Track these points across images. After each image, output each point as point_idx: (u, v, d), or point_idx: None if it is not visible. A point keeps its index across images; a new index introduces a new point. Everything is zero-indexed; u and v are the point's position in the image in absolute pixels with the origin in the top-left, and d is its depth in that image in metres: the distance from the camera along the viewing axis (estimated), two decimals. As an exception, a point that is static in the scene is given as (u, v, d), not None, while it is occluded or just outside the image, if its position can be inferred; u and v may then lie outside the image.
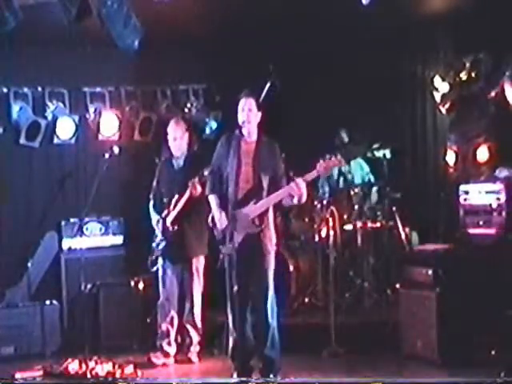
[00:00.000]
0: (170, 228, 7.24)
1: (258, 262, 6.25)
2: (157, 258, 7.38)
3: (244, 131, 6.33)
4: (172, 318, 7.36)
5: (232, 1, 7.51)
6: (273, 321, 6.26)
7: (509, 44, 7.54)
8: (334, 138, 8.74)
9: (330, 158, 6.05)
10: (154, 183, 7.51)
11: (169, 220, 7.26)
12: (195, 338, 7.38)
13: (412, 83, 9.18)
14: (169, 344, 7.37)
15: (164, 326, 7.37)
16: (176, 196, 7.20)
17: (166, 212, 7.29)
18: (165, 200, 7.35)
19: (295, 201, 6.19)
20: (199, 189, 7.02)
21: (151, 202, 7.48)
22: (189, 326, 7.36)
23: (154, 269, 7.44)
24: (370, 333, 7.33)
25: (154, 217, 7.42)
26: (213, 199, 6.43)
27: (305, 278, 8.31)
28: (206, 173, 6.86)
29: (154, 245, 7.37)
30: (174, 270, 7.36)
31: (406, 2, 7.66)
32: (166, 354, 7.35)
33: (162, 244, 7.30)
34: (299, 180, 6.07)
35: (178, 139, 7.40)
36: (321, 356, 7.11)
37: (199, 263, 7.33)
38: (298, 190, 6.07)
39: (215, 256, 6.49)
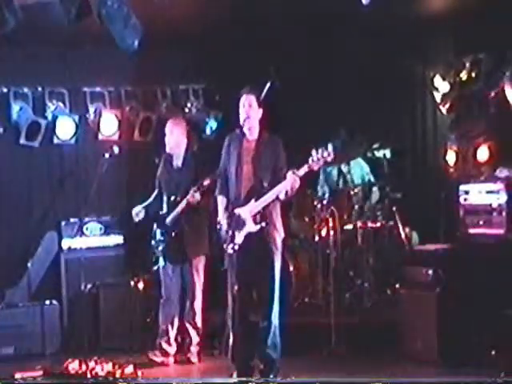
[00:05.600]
0: (169, 229, 7.24)
1: (260, 261, 6.26)
2: (157, 258, 7.39)
3: (245, 129, 6.36)
4: (172, 318, 7.36)
5: (232, 1, 7.50)
6: (274, 320, 6.28)
7: (509, 44, 7.54)
8: (333, 137, 8.73)
9: (321, 152, 6.07)
10: (156, 180, 7.54)
11: (168, 221, 7.26)
12: (195, 338, 7.37)
13: (412, 83, 9.18)
14: (168, 343, 7.37)
15: (164, 325, 7.38)
16: (173, 197, 7.21)
17: (165, 212, 7.30)
18: (164, 199, 7.37)
19: (282, 196, 6.20)
20: (197, 197, 7.06)
21: (152, 197, 7.48)
22: (189, 326, 7.36)
23: (155, 268, 7.46)
24: (370, 333, 7.32)
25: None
26: (220, 200, 6.47)
27: (305, 277, 8.31)
28: (205, 183, 6.90)
29: (153, 243, 7.37)
30: (175, 269, 7.37)
31: (406, 2, 7.65)
32: (165, 353, 7.35)
33: (162, 244, 7.30)
34: (293, 174, 6.09)
35: (175, 138, 7.40)
36: (321, 356, 7.11)
37: (199, 263, 7.33)
38: (292, 183, 6.10)
39: (217, 256, 6.50)
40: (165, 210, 7.34)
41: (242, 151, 6.36)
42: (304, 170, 6.11)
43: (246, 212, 6.20)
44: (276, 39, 8.40)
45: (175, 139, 7.41)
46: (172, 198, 7.27)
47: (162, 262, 7.37)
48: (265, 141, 6.38)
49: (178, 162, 7.44)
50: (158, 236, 7.34)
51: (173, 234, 7.23)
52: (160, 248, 7.32)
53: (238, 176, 6.32)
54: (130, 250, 8.62)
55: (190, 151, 7.55)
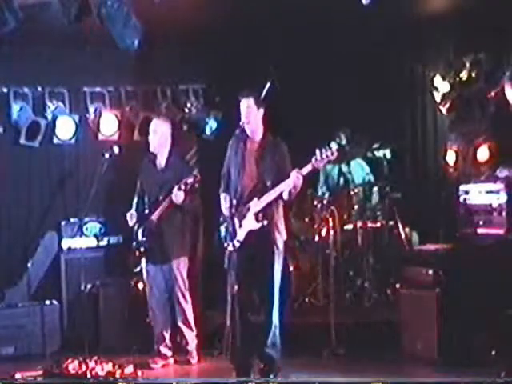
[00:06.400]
0: (151, 229, 7.20)
1: (261, 259, 6.26)
2: (139, 259, 7.36)
3: (247, 131, 6.37)
4: (164, 321, 7.33)
5: (232, 0, 7.50)
6: (274, 320, 6.28)
7: (509, 44, 7.54)
8: (334, 138, 8.73)
9: (324, 151, 6.08)
10: (138, 182, 7.48)
11: (149, 221, 7.20)
12: (191, 338, 7.34)
13: (412, 83, 9.18)
14: (166, 346, 7.35)
15: (158, 330, 7.35)
16: (158, 197, 7.16)
17: (147, 213, 7.26)
18: (146, 200, 7.33)
19: (285, 196, 6.20)
20: (181, 197, 7.01)
21: (134, 201, 7.43)
22: (183, 327, 7.32)
23: (138, 269, 7.43)
24: (370, 333, 7.32)
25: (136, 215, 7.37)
26: (223, 197, 6.50)
27: (305, 278, 8.31)
28: (188, 181, 6.87)
29: (134, 244, 7.33)
30: (158, 271, 7.32)
31: (406, 2, 7.65)
32: (164, 357, 7.33)
33: (143, 245, 7.26)
34: (296, 173, 6.10)
35: (158, 138, 7.34)
36: (321, 356, 7.11)
37: (180, 265, 7.26)
38: (295, 182, 6.11)
39: (216, 256, 6.51)
40: (147, 210, 7.27)
41: (246, 152, 6.39)
42: (308, 168, 6.14)
43: (248, 209, 6.21)
44: (276, 39, 8.40)
45: (159, 139, 7.34)
46: (154, 198, 7.21)
47: (144, 263, 7.34)
48: (269, 142, 6.40)
49: (161, 162, 7.37)
50: (140, 237, 7.28)
51: (154, 235, 7.18)
52: (142, 249, 7.27)
53: (241, 176, 6.34)
54: (129, 249, 8.60)
55: (175, 152, 7.46)
